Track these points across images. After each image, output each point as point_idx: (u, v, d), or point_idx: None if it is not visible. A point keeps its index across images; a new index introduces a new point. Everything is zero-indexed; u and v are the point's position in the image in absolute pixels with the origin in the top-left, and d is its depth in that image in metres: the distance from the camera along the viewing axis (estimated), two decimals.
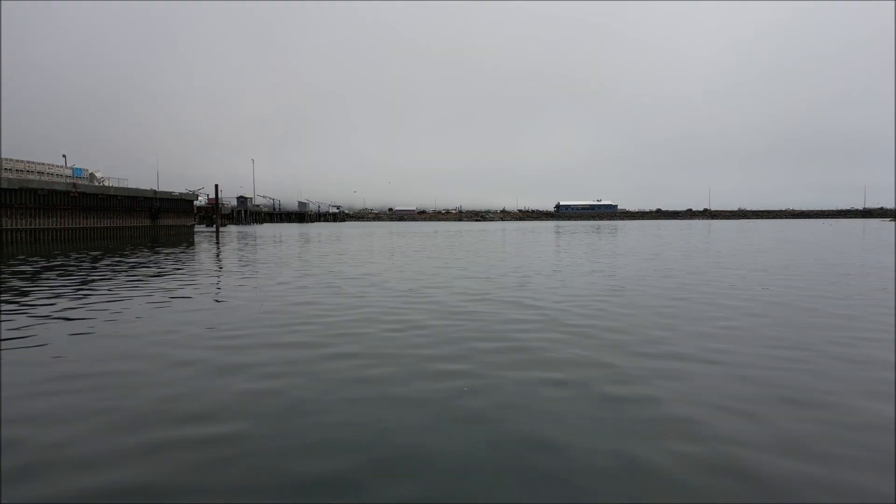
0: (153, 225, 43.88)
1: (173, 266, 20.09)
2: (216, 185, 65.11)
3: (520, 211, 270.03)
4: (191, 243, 41.21)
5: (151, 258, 23.56)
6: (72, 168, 45.09)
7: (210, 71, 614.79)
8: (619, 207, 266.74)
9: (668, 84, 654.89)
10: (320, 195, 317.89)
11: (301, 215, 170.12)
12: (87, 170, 48.02)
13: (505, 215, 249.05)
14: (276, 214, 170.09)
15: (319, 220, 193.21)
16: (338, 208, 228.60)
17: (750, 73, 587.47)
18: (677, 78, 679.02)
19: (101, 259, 22.97)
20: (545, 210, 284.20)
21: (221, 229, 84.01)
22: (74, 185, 34.85)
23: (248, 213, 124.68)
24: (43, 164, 42.50)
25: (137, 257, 24.02)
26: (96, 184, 48.69)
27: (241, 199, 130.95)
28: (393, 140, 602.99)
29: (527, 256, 24.06)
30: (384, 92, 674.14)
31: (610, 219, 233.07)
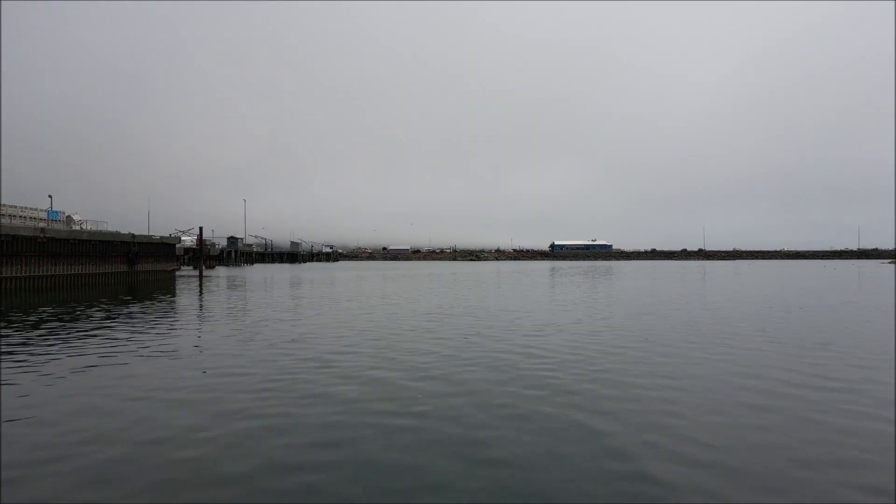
0: (130, 271, 41.45)
1: (130, 330, 17.67)
2: (200, 228, 62.75)
3: (514, 251, 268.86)
4: (168, 292, 38.78)
5: (107, 316, 21.01)
6: (47, 210, 42.85)
7: (201, 110, 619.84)
8: (613, 247, 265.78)
9: (661, 122, 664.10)
10: (313, 234, 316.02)
11: (293, 255, 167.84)
12: (63, 212, 45.81)
13: (500, 255, 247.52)
14: (268, 255, 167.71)
15: (312, 261, 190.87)
16: (331, 248, 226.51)
17: (742, 110, 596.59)
18: (670, 116, 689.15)
19: (44, 322, 20.35)
20: (540, 249, 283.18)
21: (209, 272, 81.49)
22: (42, 229, 32.57)
23: (238, 253, 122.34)
24: (15, 206, 40.30)
25: (89, 317, 21.48)
26: (74, 227, 46.47)
27: (232, 240, 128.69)
28: (385, 178, 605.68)
29: (528, 313, 21.84)
30: (374, 130, 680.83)
31: (605, 259, 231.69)
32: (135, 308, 25.78)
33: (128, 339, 16.11)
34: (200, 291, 38.89)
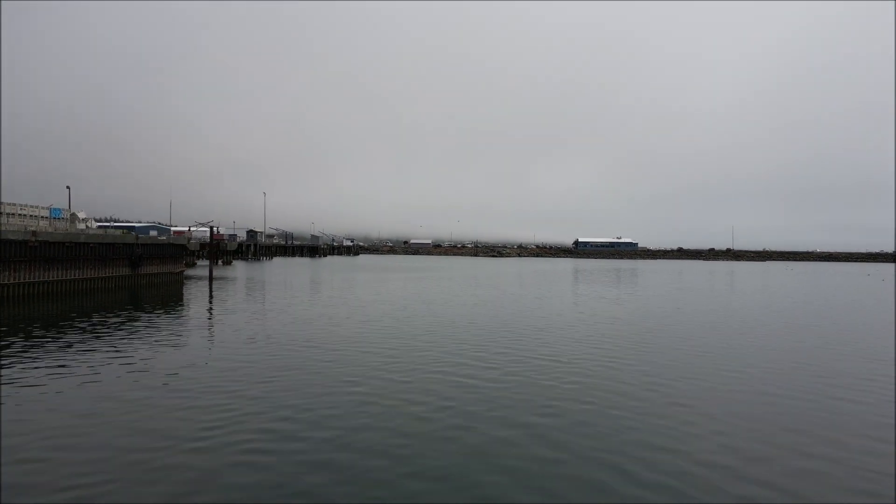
0: (133, 274, 39.07)
1: (107, 354, 14.83)
2: (211, 228, 60.29)
3: (537, 247, 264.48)
4: (173, 299, 36.31)
5: (91, 333, 18.24)
6: (49, 208, 40.66)
7: (223, 103, 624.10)
8: (639, 245, 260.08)
9: (689, 118, 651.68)
10: (334, 226, 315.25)
11: (313, 249, 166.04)
12: (67, 210, 43.64)
13: (522, 251, 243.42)
14: (289, 248, 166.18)
15: (333, 254, 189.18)
16: (352, 241, 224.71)
17: (771, 110, 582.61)
18: (698, 112, 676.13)
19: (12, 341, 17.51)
20: (563, 246, 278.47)
21: (223, 272, 79.43)
22: (34, 233, 30.18)
23: (258, 247, 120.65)
24: (14, 204, 38.12)
25: (60, 338, 18.65)
26: (79, 225, 44.28)
27: (251, 234, 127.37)
28: (408, 170, 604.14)
29: (553, 332, 18.60)
30: (395, 123, 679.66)
31: (630, 257, 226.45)
32: (123, 327, 23.11)
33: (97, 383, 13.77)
34: (210, 299, 36.31)
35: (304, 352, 18.67)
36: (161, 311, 29.35)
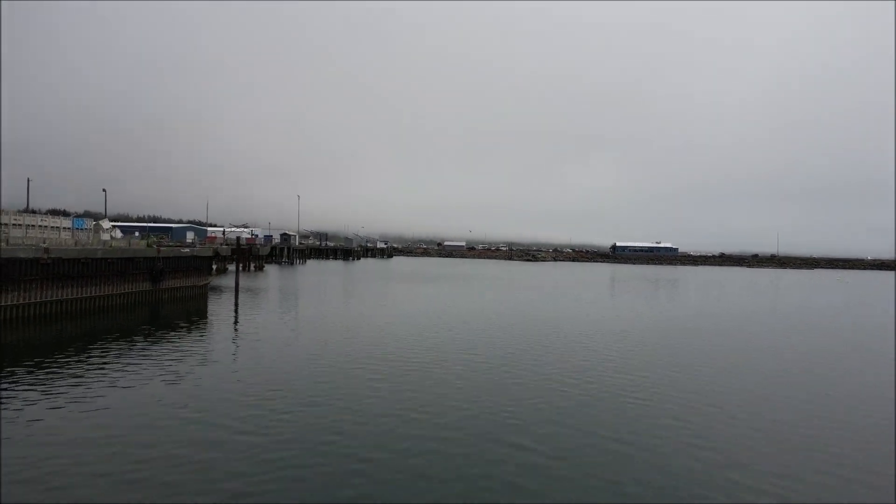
0: (154, 289, 37.39)
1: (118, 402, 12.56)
2: (238, 239, 58.68)
3: (573, 250, 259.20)
4: (195, 315, 34.54)
5: (95, 361, 15.89)
6: (72, 218, 39.29)
7: (259, 105, 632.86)
8: (679, 251, 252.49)
9: (730, 118, 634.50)
10: (369, 225, 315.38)
11: (347, 251, 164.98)
12: (90, 220, 42.34)
13: (557, 255, 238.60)
14: (322, 250, 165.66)
15: (367, 256, 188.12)
16: (385, 243, 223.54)
17: (817, 108, 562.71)
18: (739, 111, 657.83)
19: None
20: (599, 250, 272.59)
21: (257, 274, 78.11)
22: (46, 249, 28.52)
23: (291, 250, 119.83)
24: (35, 214, 36.82)
25: (68, 364, 16.53)
26: (103, 235, 42.94)
27: (285, 237, 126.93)
28: (443, 171, 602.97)
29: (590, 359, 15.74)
30: (427, 124, 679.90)
31: (670, 263, 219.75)
32: (135, 352, 21.23)
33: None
34: (235, 317, 34.43)
35: (337, 393, 17.15)
36: (183, 331, 28.30)
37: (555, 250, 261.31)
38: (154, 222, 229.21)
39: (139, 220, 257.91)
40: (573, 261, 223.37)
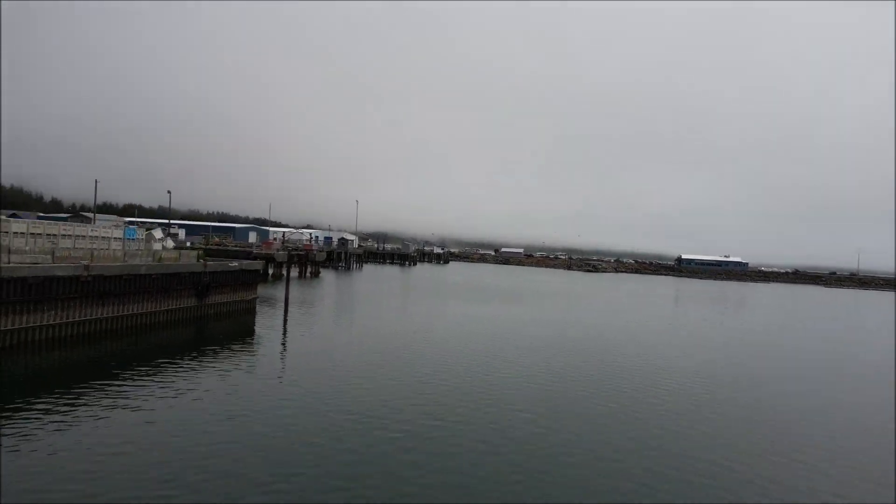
0: (200, 304, 36.19)
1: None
2: (289, 253, 57.47)
3: (636, 262, 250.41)
4: (242, 334, 33.35)
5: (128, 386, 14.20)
6: (123, 228, 38.61)
7: (321, 110, 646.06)
8: (749, 266, 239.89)
9: (807, 125, 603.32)
10: (431, 228, 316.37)
11: (403, 256, 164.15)
12: (142, 229, 41.81)
13: (619, 266, 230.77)
14: (379, 255, 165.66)
15: (423, 261, 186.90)
16: (442, 249, 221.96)
17: None
18: (817, 119, 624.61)
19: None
20: (663, 261, 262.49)
21: (312, 282, 77.23)
22: (87, 266, 27.43)
23: (347, 255, 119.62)
24: (84, 224, 36.26)
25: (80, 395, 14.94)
26: (155, 245, 42.29)
27: (342, 241, 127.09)
28: (499, 175, 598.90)
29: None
30: (489, 128, 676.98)
31: (739, 279, 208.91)
32: (176, 373, 19.87)
33: None
34: (284, 333, 33.07)
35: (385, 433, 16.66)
36: (227, 351, 27.87)
37: (616, 261, 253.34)
38: (222, 220, 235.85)
39: (209, 216, 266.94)
40: (636, 272, 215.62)
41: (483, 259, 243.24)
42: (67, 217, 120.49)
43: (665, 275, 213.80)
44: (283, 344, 31.09)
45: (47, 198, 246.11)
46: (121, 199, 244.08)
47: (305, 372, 24.17)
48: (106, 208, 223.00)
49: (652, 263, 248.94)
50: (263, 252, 76.85)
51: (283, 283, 43.26)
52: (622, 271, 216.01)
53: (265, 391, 20.59)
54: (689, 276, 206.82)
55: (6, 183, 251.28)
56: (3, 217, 32.88)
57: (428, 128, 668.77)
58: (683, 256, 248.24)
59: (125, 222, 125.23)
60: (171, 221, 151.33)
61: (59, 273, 25.95)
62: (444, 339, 35.02)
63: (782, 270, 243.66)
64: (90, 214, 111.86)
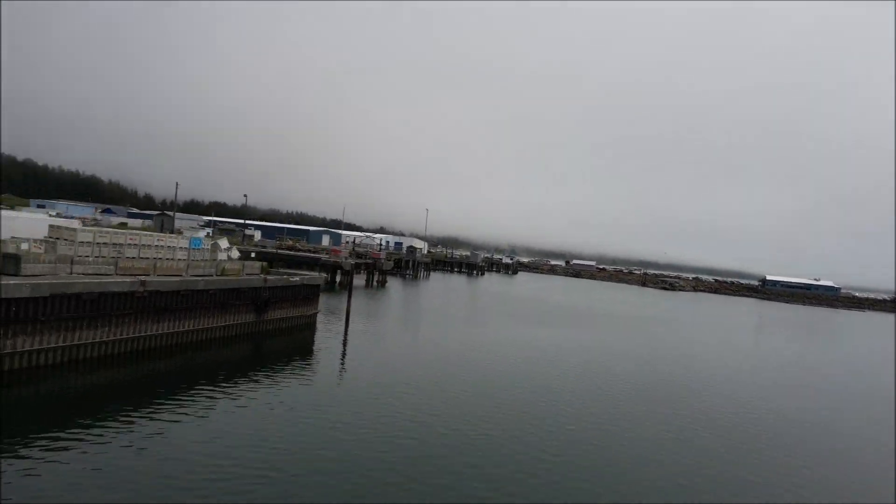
0: (258, 320, 35.47)
1: None
2: (356, 263, 56.56)
3: (716, 281, 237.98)
4: (301, 353, 32.65)
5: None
6: (189, 238, 38.48)
7: (396, 108, 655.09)
8: (841, 291, 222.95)
9: None
10: (498, 234, 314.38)
11: (471, 266, 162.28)
12: (209, 237, 41.74)
13: (697, 284, 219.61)
14: (447, 263, 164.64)
15: (491, 271, 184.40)
16: (511, 258, 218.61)
17: None
18: None
19: None
20: (746, 281, 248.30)
21: (378, 292, 76.47)
22: (143, 282, 26.95)
23: (415, 263, 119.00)
24: (151, 234, 36.29)
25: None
26: (220, 255, 42.16)
27: (410, 250, 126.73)
28: (570, 183, 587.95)
29: None
30: (562, 136, 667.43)
31: (829, 304, 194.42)
32: (223, 397, 19.09)
33: None
34: (343, 352, 32.13)
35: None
36: (283, 371, 27.65)
37: (695, 279, 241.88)
38: (299, 220, 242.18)
39: (287, 215, 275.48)
40: (715, 292, 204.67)
41: (553, 270, 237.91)
42: (154, 215, 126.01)
43: (747, 296, 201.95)
44: (342, 363, 30.77)
45: (141, 193, 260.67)
46: (207, 196, 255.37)
47: (360, 396, 23.97)
48: (192, 206, 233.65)
49: (733, 283, 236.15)
50: (331, 260, 76.83)
51: (348, 293, 42.66)
52: (701, 290, 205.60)
53: (318, 412, 21.05)
54: (773, 300, 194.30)
55: (105, 178, 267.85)
56: (76, 227, 33.17)
57: (490, 135, 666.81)
58: (768, 277, 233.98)
59: (203, 222, 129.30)
60: (248, 222, 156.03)
61: (115, 289, 25.51)
62: (508, 372, 32.71)
63: (879, 297, 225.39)
64: (172, 213, 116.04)
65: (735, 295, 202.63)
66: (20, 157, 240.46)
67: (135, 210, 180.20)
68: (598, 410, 25.49)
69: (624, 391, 30.19)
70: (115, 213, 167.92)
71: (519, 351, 39.49)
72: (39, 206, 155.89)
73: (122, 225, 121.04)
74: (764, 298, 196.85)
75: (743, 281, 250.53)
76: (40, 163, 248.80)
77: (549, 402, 25.92)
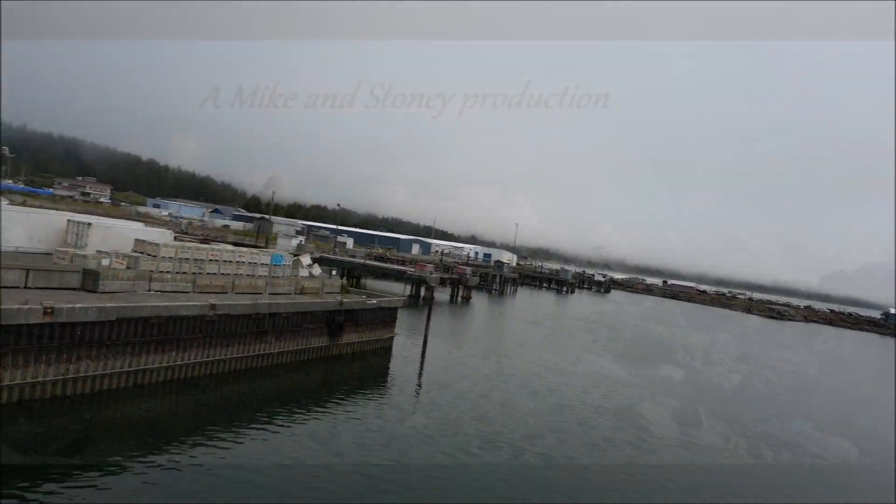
0: (331, 344, 34.29)
1: None
2: (441, 278, 54.82)
3: (831, 312, 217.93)
4: (375, 380, 31.39)
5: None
6: (272, 255, 38.11)
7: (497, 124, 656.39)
8: None
9: None
10: (590, 247, 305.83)
11: (560, 282, 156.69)
12: (290, 255, 41.35)
13: (809, 314, 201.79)
14: (535, 278, 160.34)
15: (582, 288, 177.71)
16: (604, 276, 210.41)
17: None
18: None
19: None
20: (867, 314, 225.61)
21: (462, 309, 74.59)
22: (213, 305, 26.20)
23: (502, 279, 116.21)
24: (232, 250, 36.06)
25: None
26: (301, 272, 41.60)
27: (498, 264, 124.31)
28: (669, 197, 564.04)
29: None
30: (658, 146, 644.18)
31: None
32: (285, 426, 17.74)
33: None
34: (419, 385, 30.49)
35: None
36: (354, 396, 27.65)
37: (807, 307, 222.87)
38: (392, 228, 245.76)
39: (384, 220, 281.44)
40: (830, 324, 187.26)
41: (649, 290, 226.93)
42: (256, 218, 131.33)
43: (868, 330, 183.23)
44: (416, 394, 29.14)
45: (249, 194, 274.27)
46: (308, 199, 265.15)
47: (433, 431, 23.48)
48: (294, 208, 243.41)
49: (851, 315, 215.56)
50: (416, 274, 75.77)
51: (427, 314, 41.11)
52: (812, 320, 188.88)
53: (389, 443, 21.12)
54: None
55: (218, 179, 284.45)
56: (160, 241, 33.29)
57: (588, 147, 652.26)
58: (892, 311, 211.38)
59: (299, 228, 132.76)
60: (342, 228, 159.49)
61: (184, 312, 24.85)
62: (600, 426, 29.46)
63: None
64: (272, 217, 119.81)
65: (853, 328, 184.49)
66: (144, 157, 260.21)
67: (242, 212, 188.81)
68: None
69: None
70: (222, 213, 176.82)
71: (612, 402, 35.94)
72: (155, 206, 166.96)
73: (225, 227, 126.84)
74: (887, 334, 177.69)
75: (862, 313, 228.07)
76: (161, 163, 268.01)
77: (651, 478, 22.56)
